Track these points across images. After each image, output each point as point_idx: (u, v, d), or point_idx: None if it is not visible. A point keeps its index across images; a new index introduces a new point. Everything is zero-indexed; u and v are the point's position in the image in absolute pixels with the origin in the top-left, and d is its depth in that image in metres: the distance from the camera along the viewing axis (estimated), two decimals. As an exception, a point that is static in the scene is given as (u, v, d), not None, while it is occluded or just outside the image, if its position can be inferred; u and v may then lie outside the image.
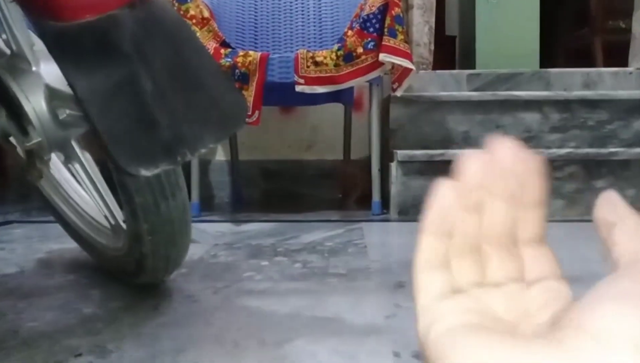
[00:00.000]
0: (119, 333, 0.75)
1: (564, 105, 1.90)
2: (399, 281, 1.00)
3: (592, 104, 1.90)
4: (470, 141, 1.92)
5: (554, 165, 1.71)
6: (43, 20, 0.59)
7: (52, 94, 0.83)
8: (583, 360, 0.18)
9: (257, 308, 0.86)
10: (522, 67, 2.32)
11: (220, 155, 2.40)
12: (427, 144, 1.91)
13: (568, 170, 1.71)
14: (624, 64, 2.34)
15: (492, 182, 0.25)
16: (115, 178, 0.76)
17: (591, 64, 2.69)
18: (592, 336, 0.18)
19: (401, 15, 1.65)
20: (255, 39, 2.04)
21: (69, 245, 1.25)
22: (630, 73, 2.21)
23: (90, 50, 0.57)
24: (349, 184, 2.26)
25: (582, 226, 1.53)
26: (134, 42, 0.58)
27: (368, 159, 2.05)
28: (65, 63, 0.57)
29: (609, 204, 0.24)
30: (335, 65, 1.66)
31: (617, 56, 2.44)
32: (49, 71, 0.85)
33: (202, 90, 0.64)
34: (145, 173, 0.57)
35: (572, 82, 2.20)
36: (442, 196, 0.26)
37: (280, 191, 2.39)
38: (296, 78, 1.67)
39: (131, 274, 0.92)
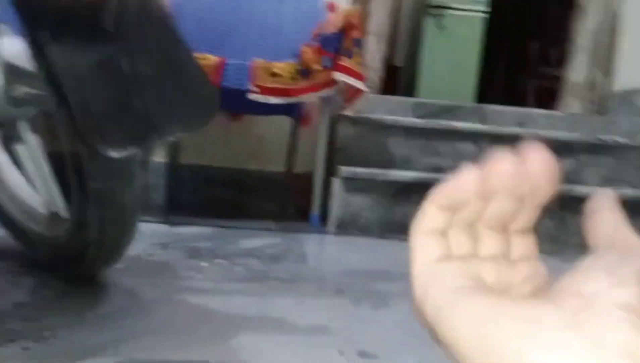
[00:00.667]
0: (56, 321, 0.73)
1: (499, 139, 2.02)
2: (339, 288, 1.03)
3: (524, 141, 2.03)
4: (410, 165, 1.99)
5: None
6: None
7: (10, 70, 0.80)
8: (575, 313, 0.20)
9: (199, 305, 0.85)
10: (459, 98, 2.45)
11: (158, 156, 2.35)
12: (369, 163, 1.97)
13: (498, 199, 1.81)
14: (553, 107, 2.52)
15: (512, 182, 0.28)
16: (69, 162, 0.74)
17: (523, 103, 2.88)
18: (582, 296, 0.21)
19: (360, 39, 1.71)
20: (212, 43, 2.03)
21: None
22: (562, 116, 2.38)
23: (72, 30, 0.56)
24: (289, 196, 2.27)
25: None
26: (119, 27, 0.58)
27: (310, 174, 2.08)
28: (45, 33, 0.56)
29: (602, 201, 0.27)
30: (292, 78, 1.69)
31: (548, 100, 2.63)
32: (9, 46, 0.82)
33: (179, 80, 0.64)
34: (113, 153, 0.56)
35: (507, 119, 2.34)
36: (466, 180, 0.28)
37: (219, 198, 2.37)
38: (251, 86, 1.68)
39: (68, 264, 0.89)
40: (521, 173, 0.28)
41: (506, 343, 0.20)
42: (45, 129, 0.96)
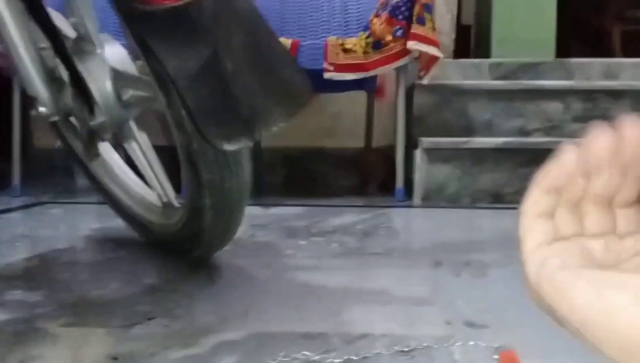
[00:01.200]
0: (184, 300, 0.80)
1: (586, 95, 1.93)
2: (436, 260, 1.05)
3: (614, 94, 1.93)
4: (492, 129, 1.95)
5: (576, 153, 1.75)
6: (130, 4, 0.63)
7: (117, 76, 0.88)
8: None
9: (306, 281, 0.91)
10: (537, 56, 2.34)
11: (243, 141, 2.44)
12: (450, 132, 1.95)
13: (590, 158, 1.74)
14: (643, 55, 2.36)
15: (612, 156, 0.29)
16: (182, 156, 0.81)
17: (608, 53, 2.71)
18: None
19: (430, 3, 1.69)
20: (282, 27, 2.07)
21: (109, 224, 1.30)
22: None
23: (177, 32, 0.61)
24: (370, 171, 2.30)
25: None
26: (215, 25, 0.62)
27: (388, 147, 2.09)
28: (154, 42, 0.61)
29: None
30: (364, 52, 1.70)
31: (636, 46, 2.46)
32: (113, 53, 0.89)
33: (273, 70, 0.68)
34: (228, 147, 0.61)
35: (592, 72, 2.22)
36: (566, 160, 0.29)
37: (302, 177, 2.44)
38: (325, 65, 1.71)
39: (184, 249, 0.97)
40: (620, 147, 0.29)
41: (626, 313, 0.21)
42: (154, 126, 1.04)
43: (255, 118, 0.62)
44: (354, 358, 0.62)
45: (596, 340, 0.23)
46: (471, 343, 0.66)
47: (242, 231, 1.29)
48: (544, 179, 0.30)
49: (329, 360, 0.62)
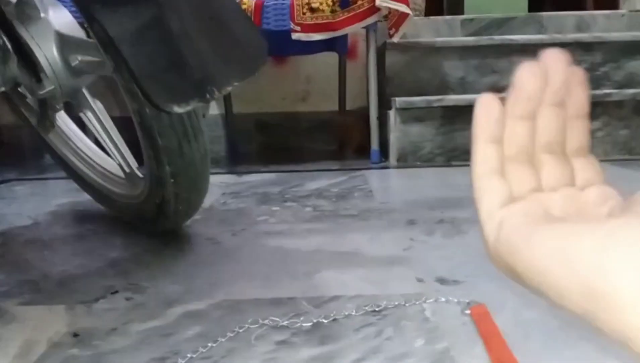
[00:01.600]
0: (150, 273, 0.78)
1: (559, 48, 1.91)
2: (410, 219, 1.04)
3: (586, 47, 1.91)
4: (466, 86, 1.93)
5: (550, 107, 1.74)
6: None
7: (63, 41, 0.83)
8: None
9: (278, 247, 0.89)
10: (510, 11, 2.31)
11: (214, 109, 2.39)
12: (423, 90, 1.92)
13: (563, 112, 1.74)
14: (614, 7, 2.34)
15: (542, 91, 0.27)
16: (136, 123, 0.77)
17: (581, 7, 2.69)
18: None
19: (398, -41, 1.63)
20: (247, -12, 2.00)
21: (78, 199, 1.27)
22: (623, 15, 2.22)
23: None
24: (345, 134, 2.27)
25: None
26: (159, -19, 0.58)
27: (362, 109, 2.06)
28: (94, 4, 0.57)
29: None
30: (332, 11, 1.65)
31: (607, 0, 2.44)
32: (58, 17, 0.84)
33: (226, 30, 0.64)
34: (177, 109, 0.58)
35: (564, 25, 2.20)
36: (489, 105, 0.28)
37: (276, 143, 2.40)
38: (292, 26, 1.66)
39: (151, 220, 0.94)
40: (544, 78, 0.27)
41: (586, 260, 0.20)
42: (108, 93, 0.99)
43: (206, 79, 0.58)
44: (324, 321, 0.61)
45: (557, 294, 0.22)
46: (442, 299, 0.65)
47: (214, 199, 1.27)
48: (479, 130, 0.28)
49: (298, 324, 0.60)
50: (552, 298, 0.22)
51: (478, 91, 1.93)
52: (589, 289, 0.20)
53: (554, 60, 0.28)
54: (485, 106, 0.28)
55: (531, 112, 0.27)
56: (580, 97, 0.28)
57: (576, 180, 0.28)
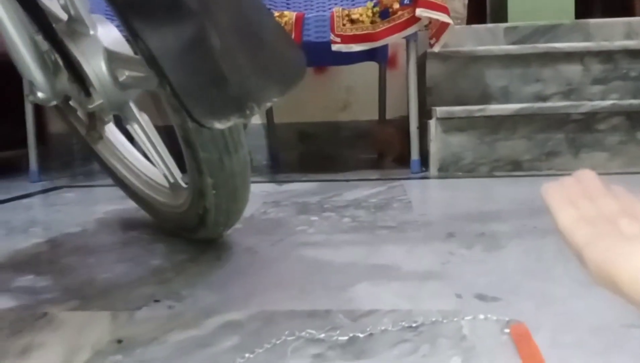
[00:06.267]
0: (190, 281, 0.80)
1: (606, 56, 1.85)
2: (449, 232, 1.02)
3: (634, 55, 1.85)
4: (509, 96, 1.90)
5: (597, 117, 1.69)
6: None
7: (111, 57, 0.86)
8: None
9: (314, 258, 0.89)
10: (556, 18, 2.26)
11: (256, 119, 2.42)
12: (464, 100, 1.90)
13: (611, 122, 1.69)
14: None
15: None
16: (179, 135, 0.79)
17: (630, 14, 2.60)
18: None
19: (438, -32, 1.63)
20: (287, 1, 2.03)
21: (124, 206, 1.31)
22: (675, 20, 2.13)
23: (160, 8, 0.59)
24: (385, 144, 2.27)
25: (625, 178, 1.52)
26: (200, 1, 0.60)
27: (403, 119, 2.05)
28: (137, 22, 0.59)
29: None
30: (372, 22, 1.65)
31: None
32: (106, 34, 0.87)
33: (265, 46, 0.65)
34: (218, 125, 0.59)
35: (612, 32, 2.14)
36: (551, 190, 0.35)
37: (316, 152, 2.42)
38: (332, 37, 1.67)
39: (192, 229, 0.96)
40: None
41: None
42: (155, 107, 1.03)
43: (245, 95, 0.60)
44: (360, 335, 0.61)
45: None
46: (481, 317, 0.64)
47: (254, 208, 1.29)
48: (554, 198, 0.35)
49: (334, 337, 0.60)
50: None
51: (521, 101, 1.89)
52: None
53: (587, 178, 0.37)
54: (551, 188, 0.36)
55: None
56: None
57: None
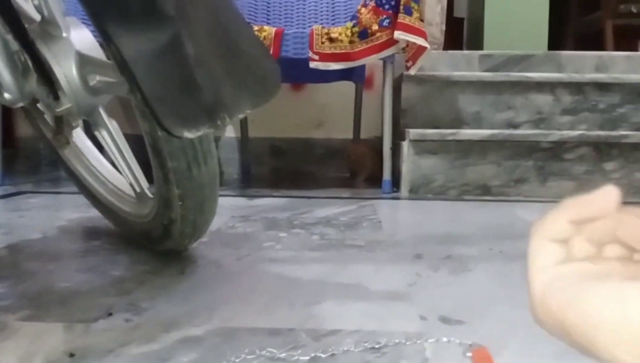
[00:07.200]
0: (151, 293, 0.78)
1: (576, 87, 1.91)
2: (417, 253, 1.03)
3: (603, 87, 1.91)
4: (481, 122, 1.93)
5: (565, 147, 1.73)
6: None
7: (83, 61, 0.84)
8: None
9: (281, 274, 0.88)
10: (530, 49, 2.32)
11: (230, 132, 2.41)
12: (438, 124, 1.92)
13: (579, 152, 1.73)
14: (634, 48, 2.34)
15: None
16: (148, 143, 0.78)
17: (601, 47, 2.69)
18: None
19: (418, -7, 1.66)
20: (268, 14, 2.04)
21: (88, 214, 1.28)
22: (642, 57, 2.21)
23: (135, 12, 0.58)
24: (358, 163, 2.28)
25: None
26: (177, 6, 0.59)
27: (377, 139, 2.07)
28: (110, 25, 0.58)
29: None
30: (350, 41, 1.66)
31: (629, 40, 2.44)
32: (79, 38, 0.86)
33: (240, 55, 0.65)
34: (187, 134, 0.58)
35: (583, 65, 2.20)
36: (606, 198, 0.27)
37: (289, 168, 2.41)
38: (310, 54, 1.68)
39: (157, 240, 0.94)
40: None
41: None
42: (124, 114, 1.01)
43: (217, 105, 0.59)
44: (322, 355, 0.60)
45: (609, 346, 0.22)
46: (444, 339, 0.64)
47: (222, 222, 1.27)
48: (573, 209, 0.28)
49: (295, 357, 0.59)
50: (603, 351, 0.22)
51: (492, 127, 1.93)
52: None
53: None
54: (600, 195, 0.27)
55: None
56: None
57: (634, 256, 0.28)
